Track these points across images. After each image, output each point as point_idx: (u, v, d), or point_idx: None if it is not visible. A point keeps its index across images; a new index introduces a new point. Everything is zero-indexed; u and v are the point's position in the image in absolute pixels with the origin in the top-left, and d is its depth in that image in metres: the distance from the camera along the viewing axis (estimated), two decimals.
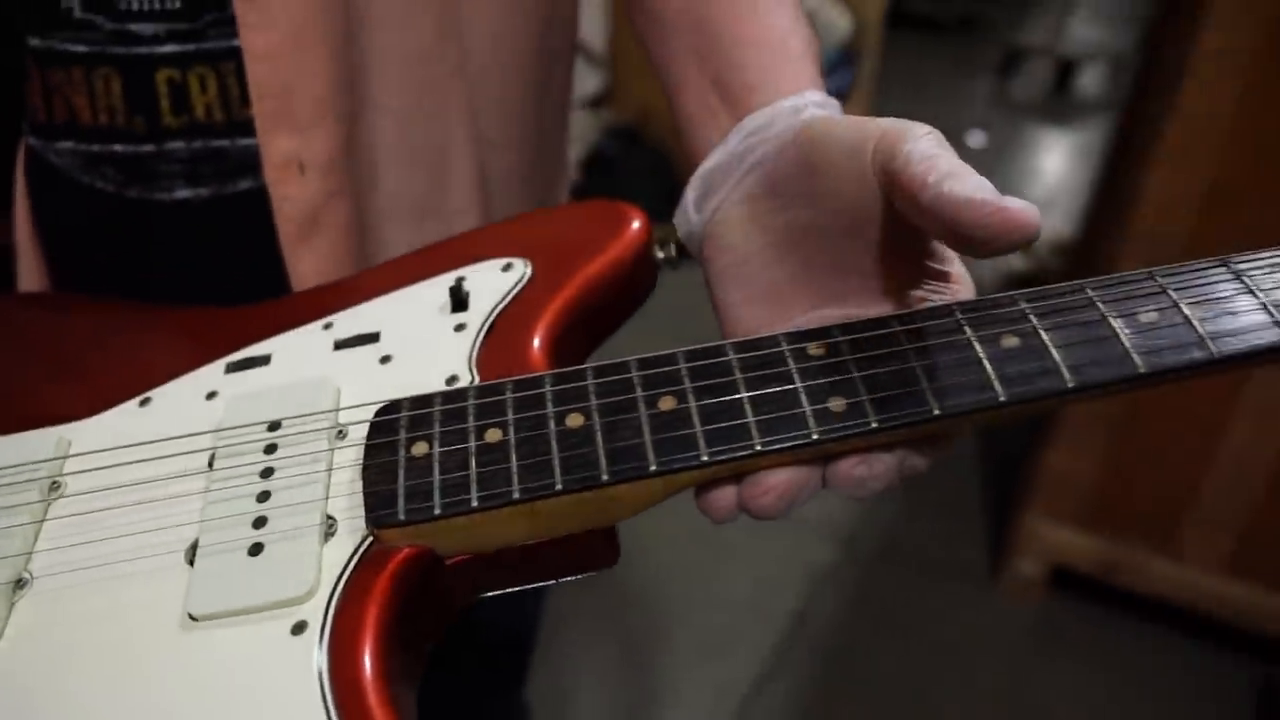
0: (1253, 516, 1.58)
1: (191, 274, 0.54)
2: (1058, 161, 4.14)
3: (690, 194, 0.44)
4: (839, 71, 3.90)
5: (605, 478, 0.36)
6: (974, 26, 5.60)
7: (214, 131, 0.50)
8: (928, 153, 0.34)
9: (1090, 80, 4.75)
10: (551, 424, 0.37)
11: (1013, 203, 0.32)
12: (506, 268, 0.46)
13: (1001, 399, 0.34)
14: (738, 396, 0.37)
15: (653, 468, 0.36)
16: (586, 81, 2.98)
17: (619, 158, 2.80)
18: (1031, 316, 0.36)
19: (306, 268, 0.51)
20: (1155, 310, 0.36)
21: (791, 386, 0.36)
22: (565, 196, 0.69)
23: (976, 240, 0.32)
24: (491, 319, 0.44)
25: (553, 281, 0.45)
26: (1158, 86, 1.62)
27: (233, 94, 0.50)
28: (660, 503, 0.37)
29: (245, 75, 0.48)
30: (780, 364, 0.37)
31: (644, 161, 2.80)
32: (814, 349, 0.37)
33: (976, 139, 4.09)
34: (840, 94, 3.93)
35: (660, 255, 0.48)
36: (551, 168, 0.66)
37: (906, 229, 0.37)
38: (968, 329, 0.36)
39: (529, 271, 0.46)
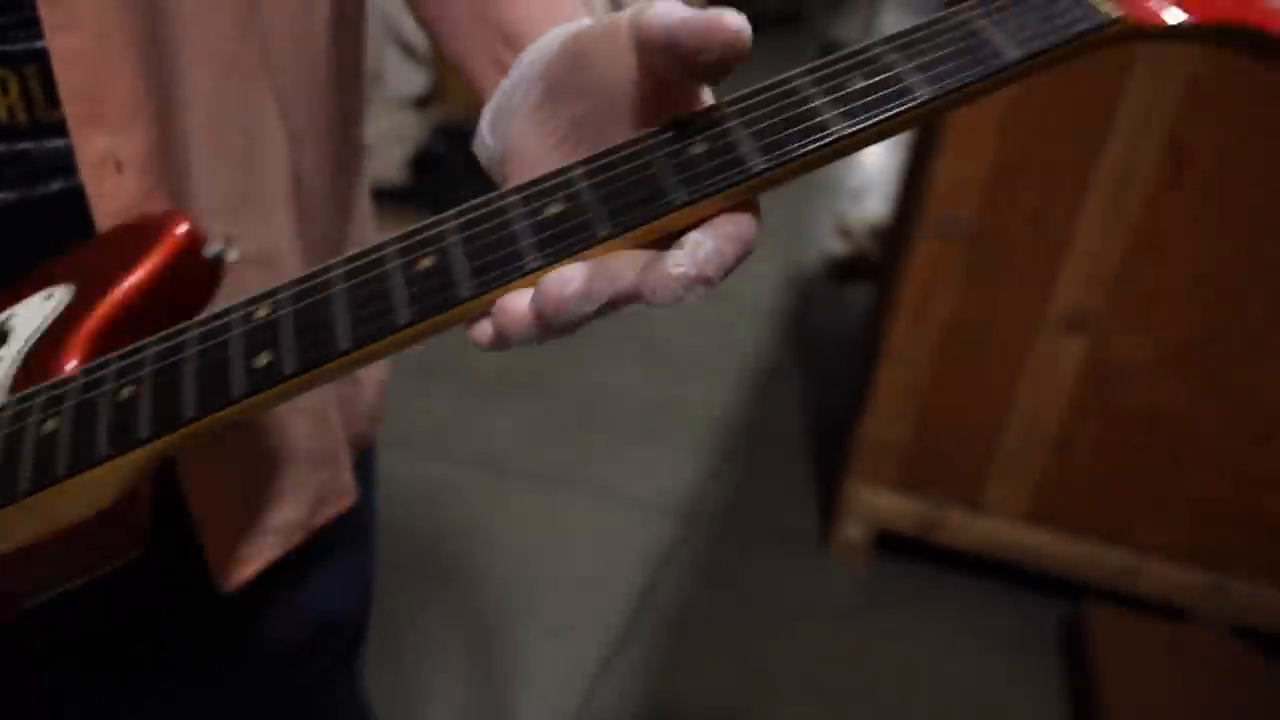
0: (1044, 469, 1.73)
1: (6, 278, 0.54)
2: (874, 149, 4.37)
3: (484, 124, 0.46)
4: None
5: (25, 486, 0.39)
6: (792, 21, 5.83)
7: (17, 134, 0.50)
8: (667, 7, 0.36)
9: None
10: (30, 432, 0.40)
11: (725, 12, 0.35)
12: (48, 297, 0.48)
13: (684, 199, 0.36)
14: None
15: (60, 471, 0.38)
16: (412, 81, 2.96)
17: (447, 155, 2.80)
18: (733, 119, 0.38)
19: None
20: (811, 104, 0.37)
21: (386, 284, 0.37)
22: (365, 181, 0.71)
23: (693, 52, 0.34)
24: (27, 347, 0.46)
25: (90, 300, 0.46)
26: None
27: (36, 96, 0.49)
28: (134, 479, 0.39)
29: (49, 77, 0.48)
30: (379, 265, 0.38)
31: (472, 157, 2.80)
32: (422, 262, 0.37)
33: None
34: None
35: (214, 253, 0.49)
36: (353, 155, 0.68)
37: (667, 98, 0.39)
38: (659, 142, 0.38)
39: (68, 295, 0.47)
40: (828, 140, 0.35)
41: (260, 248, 0.56)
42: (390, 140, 2.84)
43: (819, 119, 0.35)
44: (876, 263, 2.84)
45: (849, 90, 0.36)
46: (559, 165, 0.41)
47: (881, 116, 0.35)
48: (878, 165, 4.17)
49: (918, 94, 0.35)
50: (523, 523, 1.89)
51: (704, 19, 0.34)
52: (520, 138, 0.44)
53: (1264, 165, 1.47)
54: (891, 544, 1.89)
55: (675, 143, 0.37)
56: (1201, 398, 1.62)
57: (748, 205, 0.37)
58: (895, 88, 0.35)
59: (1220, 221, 1.51)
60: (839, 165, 4.08)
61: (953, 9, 0.37)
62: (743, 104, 0.37)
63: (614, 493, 2.00)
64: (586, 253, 0.36)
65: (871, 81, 0.36)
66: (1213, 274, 1.55)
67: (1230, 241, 1.52)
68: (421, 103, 2.99)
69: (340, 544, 0.70)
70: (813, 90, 0.36)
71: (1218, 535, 1.72)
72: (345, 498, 0.66)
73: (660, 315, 2.64)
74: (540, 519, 1.91)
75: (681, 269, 0.34)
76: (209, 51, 0.52)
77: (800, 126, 0.35)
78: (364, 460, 0.73)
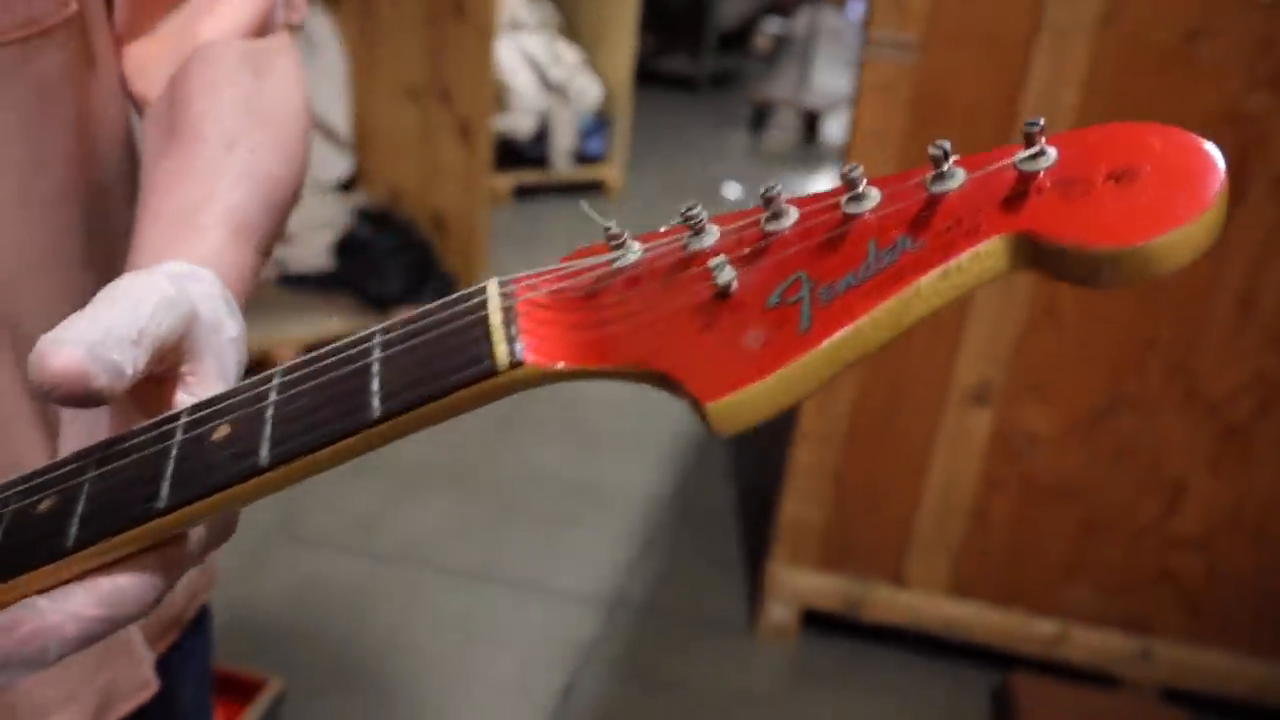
0: (963, 542, 1.72)
1: None
2: None
3: None
4: (594, 136, 4.03)
5: None
6: (727, 82, 5.90)
7: None
8: (47, 340, 0.33)
9: (835, 127, 5.08)
10: None
11: (50, 354, 0.31)
12: None
13: (69, 545, 0.32)
14: None
15: None
16: (334, 165, 2.95)
17: (371, 239, 2.78)
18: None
19: None
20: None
21: None
22: None
23: (36, 384, 0.31)
24: None
25: None
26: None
27: None
28: None
29: None
30: None
31: (396, 241, 2.79)
32: None
33: (732, 190, 4.30)
34: (598, 156, 4.05)
35: None
36: None
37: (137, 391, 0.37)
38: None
39: None
40: (152, 514, 0.31)
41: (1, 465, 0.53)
42: (313, 226, 2.83)
43: (153, 488, 0.31)
44: None
45: (207, 444, 0.32)
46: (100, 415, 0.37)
47: (212, 489, 0.31)
48: None
49: (259, 459, 0.31)
50: (442, 622, 1.85)
51: (35, 356, 0.31)
52: None
53: None
54: (819, 622, 1.86)
55: (29, 495, 0.33)
56: (1108, 465, 1.62)
57: (156, 552, 0.32)
58: (242, 447, 0.31)
59: (1110, 292, 1.52)
60: None
61: (364, 333, 0.33)
62: (108, 450, 0.33)
63: (536, 585, 1.97)
64: None
65: (230, 434, 0.32)
66: (1108, 344, 1.56)
67: (1122, 311, 1.53)
68: (344, 187, 2.99)
69: None
70: (178, 439, 0.32)
71: (1138, 600, 1.71)
72: (143, 691, 0.62)
73: (585, 396, 2.62)
74: (460, 617, 1.87)
75: None
76: None
77: (128, 495, 0.31)
78: (187, 640, 0.69)
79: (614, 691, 1.76)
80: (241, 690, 1.60)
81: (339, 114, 2.92)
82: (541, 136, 3.89)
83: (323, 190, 2.92)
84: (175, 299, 0.35)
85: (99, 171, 0.55)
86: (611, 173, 4.06)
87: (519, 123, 3.80)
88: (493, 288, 0.31)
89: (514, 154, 3.81)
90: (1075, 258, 0.25)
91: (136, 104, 0.57)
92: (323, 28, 2.86)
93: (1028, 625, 1.76)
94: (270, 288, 2.71)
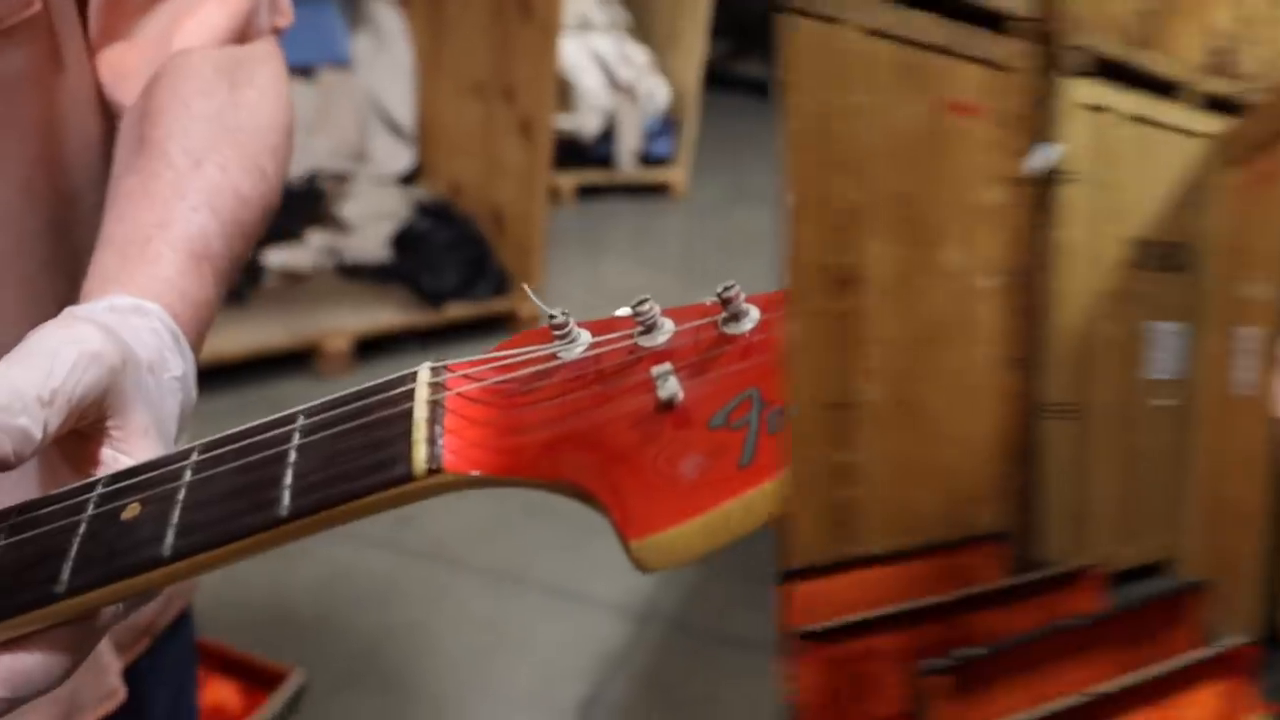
0: None
1: None
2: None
3: None
4: (661, 138, 4.00)
5: None
6: None
7: None
8: None
9: None
10: None
11: None
12: None
13: None
14: None
15: None
16: (397, 158, 2.97)
17: (430, 232, 2.79)
18: None
19: None
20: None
21: None
22: None
23: None
24: None
25: None
26: None
27: None
28: None
29: None
30: None
31: (454, 236, 2.80)
32: None
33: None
34: (664, 158, 4.02)
35: None
36: None
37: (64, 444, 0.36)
38: None
39: None
40: (51, 598, 0.30)
41: None
42: (373, 217, 2.84)
43: (54, 569, 0.30)
44: None
45: (114, 524, 0.30)
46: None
47: (112, 577, 0.30)
48: None
49: (161, 549, 0.29)
50: (468, 623, 1.83)
51: None
52: None
53: None
54: None
55: None
56: None
57: (64, 628, 0.31)
58: (148, 532, 0.30)
59: None
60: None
61: (288, 413, 0.32)
62: (20, 517, 0.32)
63: (566, 590, 1.94)
64: None
65: (139, 515, 0.30)
66: None
67: None
68: (405, 180, 3.00)
69: None
70: (87, 514, 0.31)
71: None
72: (108, 701, 0.60)
73: None
74: (486, 619, 1.85)
75: None
76: None
77: (30, 574, 0.30)
78: (161, 647, 0.67)
79: (638, 705, 1.72)
80: (264, 679, 1.61)
81: (404, 107, 2.94)
82: (608, 136, 3.87)
83: (384, 182, 2.94)
84: (99, 351, 0.33)
85: (67, 177, 0.53)
86: (676, 175, 4.02)
87: (585, 122, 3.79)
88: (424, 374, 0.30)
89: (579, 153, 3.80)
90: None
91: (114, 111, 0.55)
92: (392, 22, 2.88)
93: None
94: (327, 276, 2.73)
